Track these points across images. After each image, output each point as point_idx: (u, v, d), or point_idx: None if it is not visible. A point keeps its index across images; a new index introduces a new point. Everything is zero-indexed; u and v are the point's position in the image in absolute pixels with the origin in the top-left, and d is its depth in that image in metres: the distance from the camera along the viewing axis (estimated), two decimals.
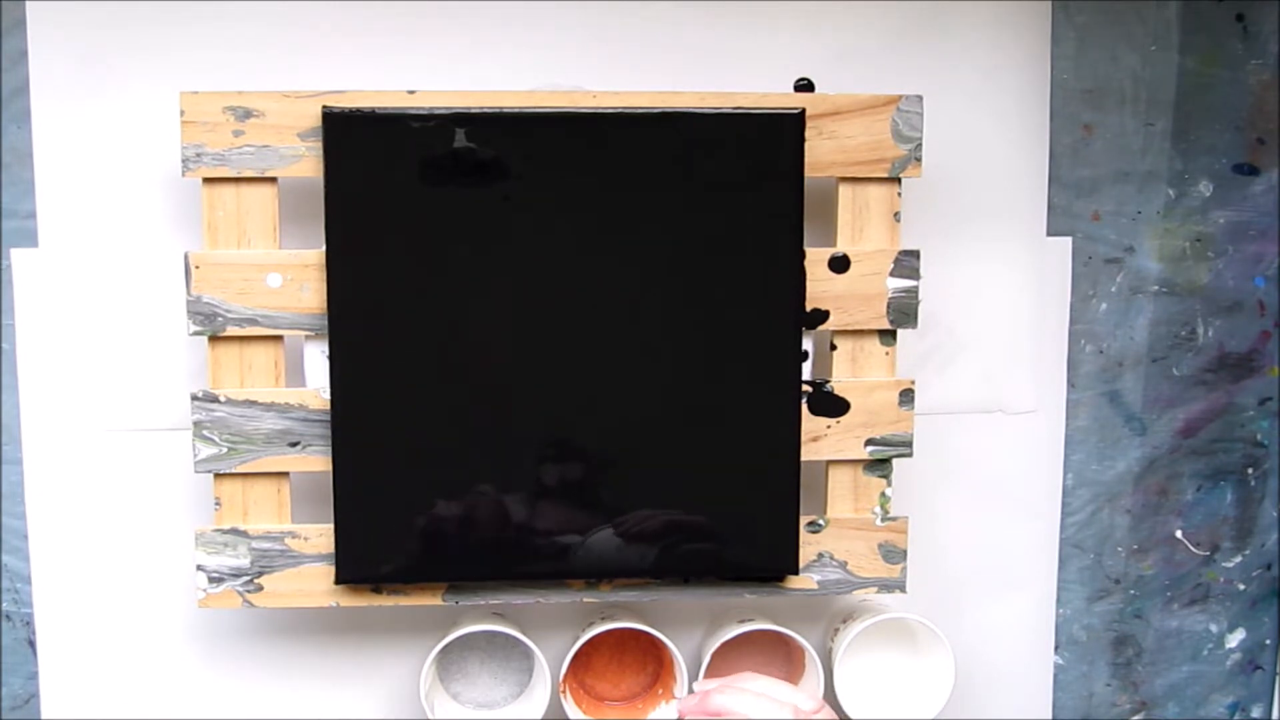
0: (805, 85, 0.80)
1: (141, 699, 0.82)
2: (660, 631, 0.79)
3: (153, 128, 0.76)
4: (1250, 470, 0.89)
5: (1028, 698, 0.89)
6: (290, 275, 0.73)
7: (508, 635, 0.79)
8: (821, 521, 0.78)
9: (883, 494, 0.79)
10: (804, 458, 0.76)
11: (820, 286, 0.76)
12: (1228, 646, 0.91)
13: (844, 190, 0.76)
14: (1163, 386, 0.87)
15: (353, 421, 0.74)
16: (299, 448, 0.75)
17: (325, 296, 0.73)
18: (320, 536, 0.76)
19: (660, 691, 0.83)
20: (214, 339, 0.74)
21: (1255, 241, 0.86)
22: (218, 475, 0.75)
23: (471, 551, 0.75)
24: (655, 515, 0.76)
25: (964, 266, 0.83)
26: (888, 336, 0.78)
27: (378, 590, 0.77)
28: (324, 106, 0.72)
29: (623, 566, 0.76)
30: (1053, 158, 0.84)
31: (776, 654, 0.85)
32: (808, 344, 0.77)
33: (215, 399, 0.74)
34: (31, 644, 0.81)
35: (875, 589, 0.79)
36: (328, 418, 0.74)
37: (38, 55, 0.76)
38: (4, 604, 0.81)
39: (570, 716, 0.80)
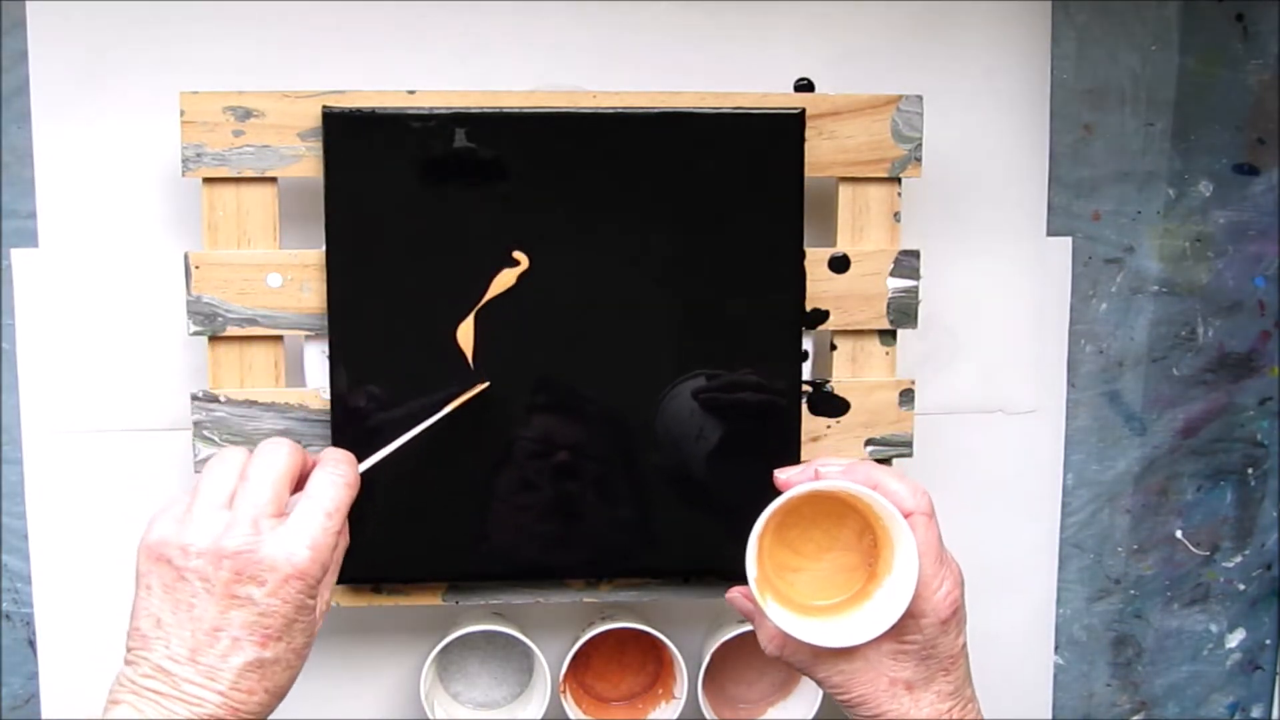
0: (805, 85, 0.80)
1: None
2: (660, 631, 0.79)
3: (153, 128, 0.76)
4: (1250, 470, 0.89)
5: (1028, 698, 0.89)
6: (290, 275, 0.73)
7: (508, 635, 0.79)
8: None
9: None
10: (804, 457, 0.76)
11: (820, 286, 0.76)
12: (1228, 646, 0.91)
13: (844, 190, 0.76)
14: (1163, 386, 0.87)
15: (353, 421, 0.74)
16: None
17: (325, 296, 0.73)
18: None
19: (660, 691, 0.83)
20: (214, 339, 0.74)
21: (1255, 241, 0.86)
22: None
23: (471, 551, 0.75)
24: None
25: (964, 266, 0.83)
26: (888, 336, 0.78)
27: (378, 590, 0.77)
28: (324, 106, 0.72)
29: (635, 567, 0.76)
30: (1053, 158, 0.84)
31: None
32: (808, 344, 0.77)
33: (215, 399, 0.74)
34: (31, 644, 0.81)
35: None
36: (328, 418, 0.74)
37: (38, 55, 0.76)
38: (4, 604, 0.81)
39: (570, 716, 0.80)
